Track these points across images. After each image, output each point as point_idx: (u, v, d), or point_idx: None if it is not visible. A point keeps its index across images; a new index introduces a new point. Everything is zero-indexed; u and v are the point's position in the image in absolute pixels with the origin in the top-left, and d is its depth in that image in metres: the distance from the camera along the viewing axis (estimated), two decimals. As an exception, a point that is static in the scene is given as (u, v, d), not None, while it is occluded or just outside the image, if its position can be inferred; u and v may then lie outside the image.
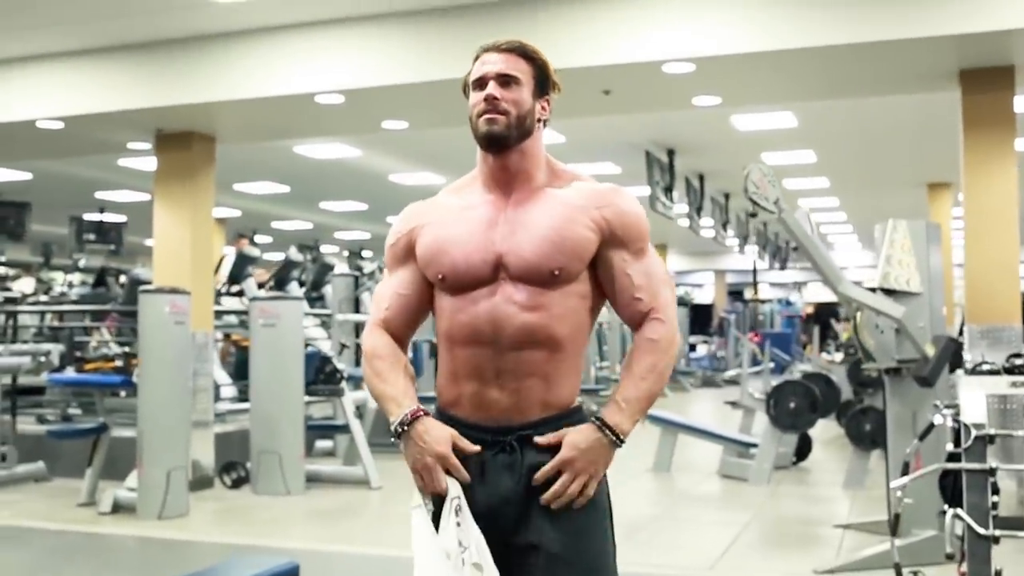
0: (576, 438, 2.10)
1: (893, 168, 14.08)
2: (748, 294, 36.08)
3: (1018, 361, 5.66)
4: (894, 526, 5.12)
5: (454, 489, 2.09)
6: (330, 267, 13.55)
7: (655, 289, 2.19)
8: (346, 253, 20.83)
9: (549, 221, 2.14)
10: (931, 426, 5.07)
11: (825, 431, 11.03)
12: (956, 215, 16.60)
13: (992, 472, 4.56)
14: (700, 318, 29.55)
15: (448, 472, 2.09)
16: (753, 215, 5.43)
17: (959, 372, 5.84)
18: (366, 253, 19.74)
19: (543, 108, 2.22)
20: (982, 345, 6.79)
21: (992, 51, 6.74)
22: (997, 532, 4.52)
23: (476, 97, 2.18)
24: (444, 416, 2.18)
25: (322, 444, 10.36)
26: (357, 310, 11.13)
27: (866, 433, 8.32)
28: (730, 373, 20.71)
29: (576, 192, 2.20)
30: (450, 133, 10.94)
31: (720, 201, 16.26)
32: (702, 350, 26.58)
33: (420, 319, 2.31)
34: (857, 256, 27.75)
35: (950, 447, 4.75)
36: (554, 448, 2.11)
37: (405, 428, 2.12)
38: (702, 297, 34.06)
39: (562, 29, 7.03)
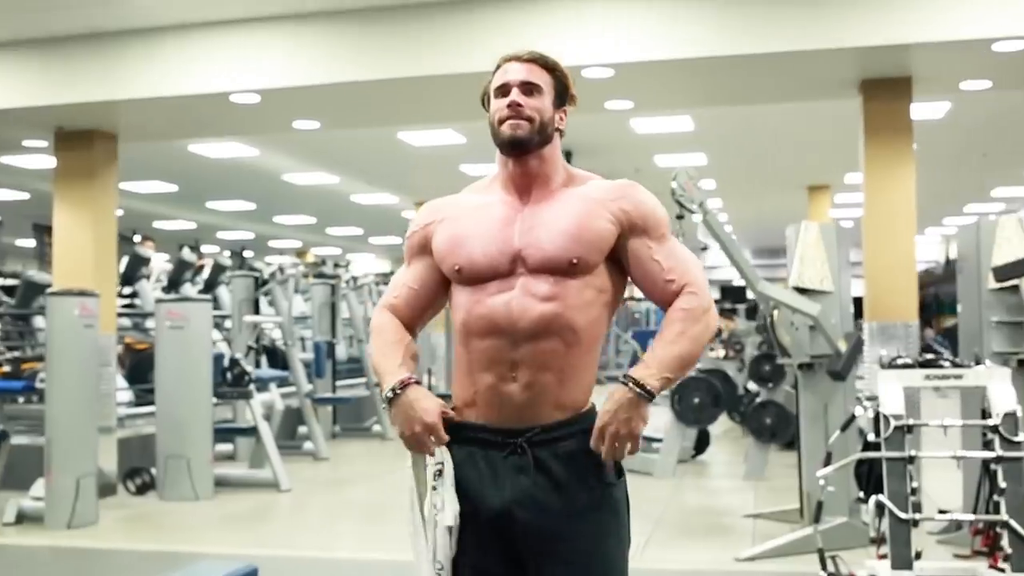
0: (606, 404, 2.11)
1: (776, 171, 14.59)
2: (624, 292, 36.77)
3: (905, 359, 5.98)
4: (817, 513, 5.37)
5: (439, 455, 2.15)
6: (223, 268, 13.33)
7: (684, 268, 2.23)
8: (227, 253, 20.49)
9: (568, 215, 2.20)
10: (852, 417, 5.34)
11: (717, 425, 11.38)
12: (834, 216, 17.36)
13: (911, 460, 4.84)
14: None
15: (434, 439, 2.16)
16: (680, 217, 5.62)
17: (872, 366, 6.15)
18: (247, 253, 19.45)
19: (561, 118, 2.29)
20: (879, 341, 7.13)
21: (891, 63, 7.08)
22: (916, 516, 4.82)
23: (498, 103, 2.24)
24: (457, 424, 2.19)
25: (221, 448, 10.20)
26: (256, 311, 10.99)
27: (766, 426, 8.65)
28: (613, 372, 21.18)
29: (592, 188, 2.27)
30: (349, 134, 10.97)
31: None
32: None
33: (427, 314, 2.36)
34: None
35: (871, 437, 5.02)
36: (574, 459, 2.13)
37: (397, 393, 2.15)
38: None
39: (480, 33, 7.11)
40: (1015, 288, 5.96)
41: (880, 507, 4.80)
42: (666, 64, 6.98)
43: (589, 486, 2.14)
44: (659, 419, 10.66)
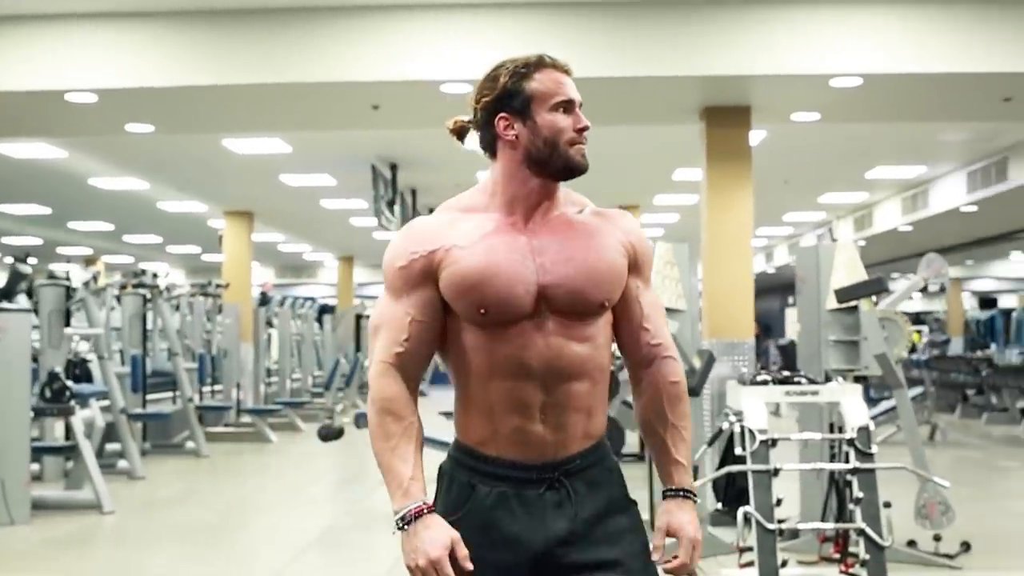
0: (686, 517, 2.08)
1: (591, 190, 14.93)
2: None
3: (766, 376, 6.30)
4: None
5: None
6: (23, 275, 12.48)
7: (660, 322, 2.16)
8: (9, 259, 19.24)
9: (595, 251, 2.05)
10: (720, 431, 5.55)
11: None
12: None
13: (776, 472, 5.08)
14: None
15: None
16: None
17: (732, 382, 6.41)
18: (32, 260, 18.31)
19: None
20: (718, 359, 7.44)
21: (732, 92, 7.46)
22: (782, 526, 5.06)
23: (565, 122, 2.03)
24: (472, 456, 2.05)
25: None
26: (67, 323, 10.36)
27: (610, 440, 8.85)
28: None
29: (600, 218, 2.12)
30: (169, 139, 10.54)
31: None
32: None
33: (433, 353, 2.09)
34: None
35: (739, 450, 5.23)
36: (602, 484, 2.06)
37: (407, 526, 1.94)
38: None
39: (320, 43, 7.01)
40: (852, 309, 6.34)
41: (747, 518, 5.01)
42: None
43: (622, 509, 2.09)
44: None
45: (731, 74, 7.10)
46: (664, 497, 2.12)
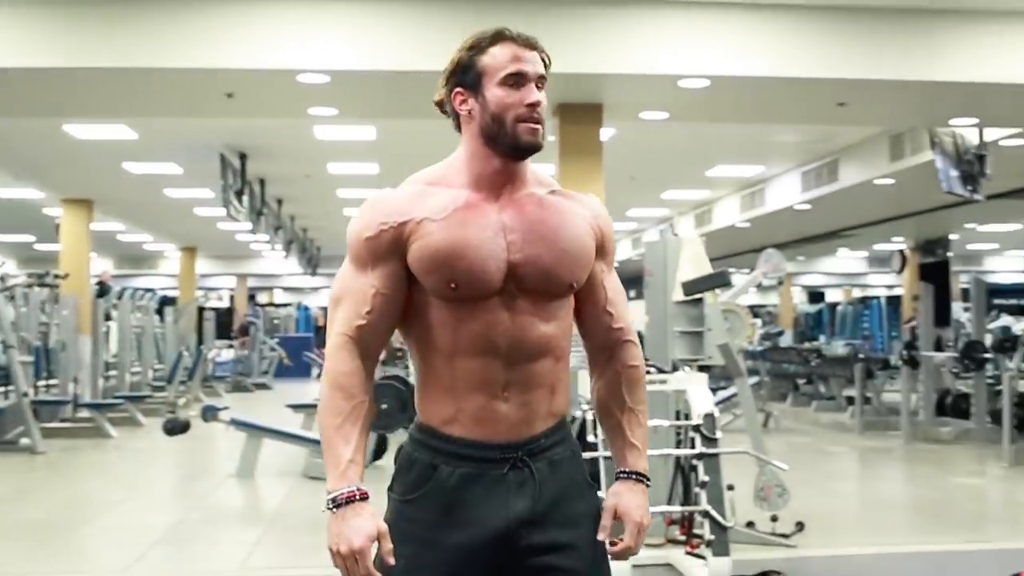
0: (635, 500, 2.08)
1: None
2: (264, 298, 36.35)
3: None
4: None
5: None
6: None
7: (622, 307, 2.16)
8: None
9: (565, 232, 2.02)
10: (572, 419, 5.70)
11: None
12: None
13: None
14: (221, 322, 29.19)
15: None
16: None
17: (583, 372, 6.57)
18: None
19: None
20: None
21: (585, 90, 7.64)
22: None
23: (514, 96, 1.98)
24: (434, 435, 2.01)
25: None
26: None
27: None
28: (260, 378, 20.90)
29: (569, 200, 2.10)
30: (5, 123, 10.09)
31: (274, 207, 16.36)
32: (228, 355, 26.30)
33: (394, 328, 2.05)
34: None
35: (591, 438, 5.40)
36: (564, 465, 2.05)
37: (339, 504, 1.90)
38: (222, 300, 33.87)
39: (189, 27, 6.86)
40: (697, 301, 6.60)
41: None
42: (378, 75, 7.08)
43: (582, 493, 2.08)
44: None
45: (585, 72, 7.27)
46: (616, 478, 2.12)
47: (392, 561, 1.89)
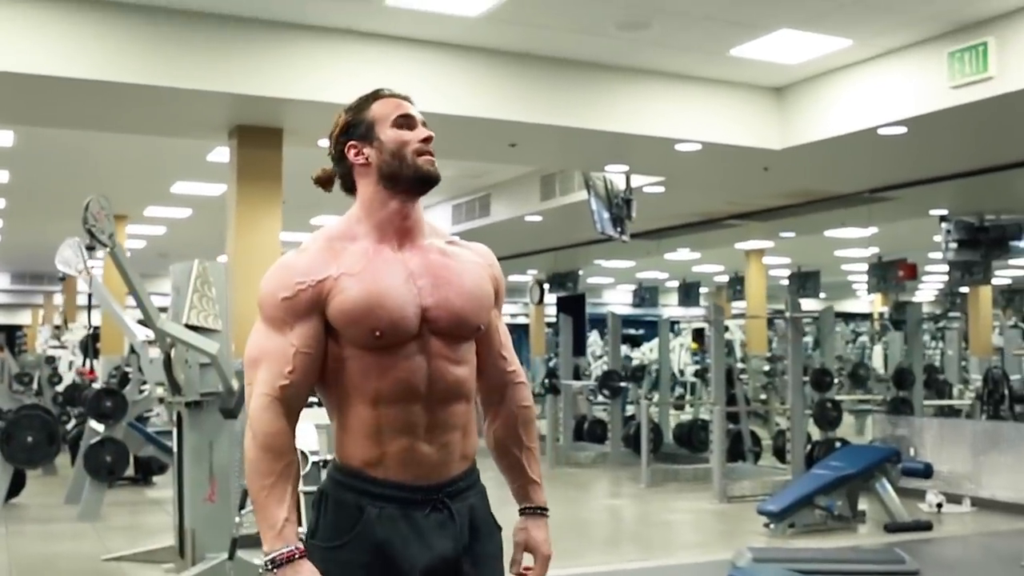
0: (541, 535, 2.25)
1: (77, 196, 14.04)
2: None
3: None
4: (232, 550, 5.47)
5: None
6: None
7: (512, 351, 2.30)
8: None
9: (468, 278, 2.15)
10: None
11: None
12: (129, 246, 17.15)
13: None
14: None
15: None
16: (91, 248, 5.33)
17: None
18: None
19: None
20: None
21: (264, 113, 7.46)
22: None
23: (407, 134, 2.12)
24: (358, 478, 2.05)
25: None
26: None
27: (105, 464, 8.37)
28: None
29: (467, 250, 2.23)
30: None
31: None
32: None
33: (314, 385, 2.08)
34: None
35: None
36: (477, 507, 2.16)
37: (275, 570, 1.95)
38: None
39: None
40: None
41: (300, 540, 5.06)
42: (21, 78, 6.56)
43: (490, 534, 2.18)
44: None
45: (266, 95, 7.11)
46: (521, 514, 2.26)
47: None
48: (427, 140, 2.14)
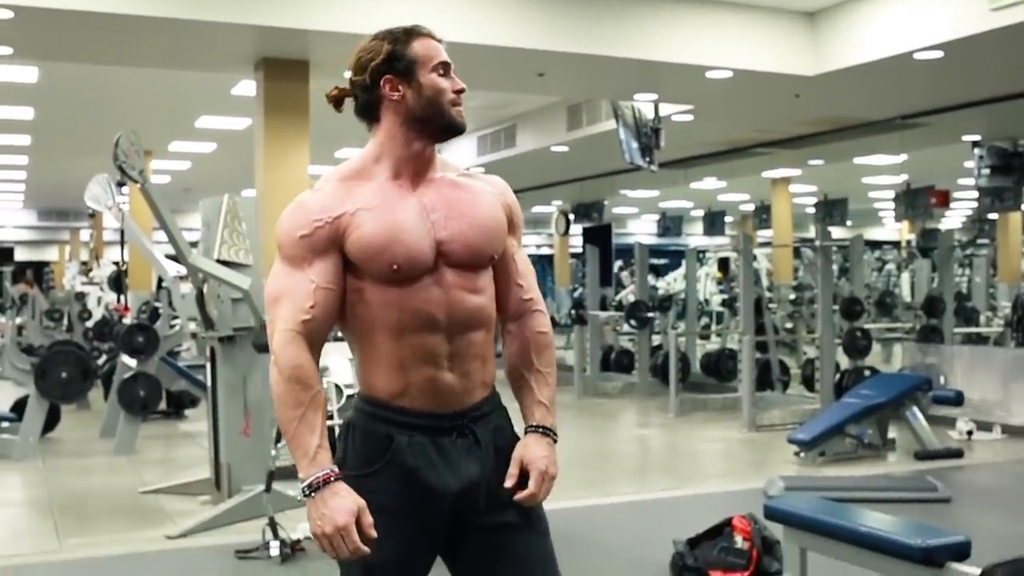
0: (541, 451, 2.21)
1: (104, 133, 14.04)
2: None
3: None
4: (268, 483, 5.53)
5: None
6: None
7: (532, 279, 2.32)
8: None
9: (481, 209, 2.19)
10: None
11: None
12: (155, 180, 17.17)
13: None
14: None
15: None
16: (121, 183, 5.32)
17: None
18: None
19: None
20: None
21: (290, 46, 7.37)
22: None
23: (444, 83, 2.16)
24: (386, 408, 2.11)
25: None
26: None
27: (138, 399, 8.46)
28: None
29: (479, 180, 2.28)
30: None
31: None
32: None
33: (335, 319, 2.14)
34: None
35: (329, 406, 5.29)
36: (501, 428, 2.22)
37: (313, 494, 2.01)
38: None
39: None
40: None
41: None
42: (67, 13, 6.49)
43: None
44: (8, 395, 9.87)
45: (291, 27, 7.02)
46: (525, 432, 2.25)
47: (374, 534, 2.01)
48: (460, 92, 2.19)
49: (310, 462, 2.02)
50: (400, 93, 2.14)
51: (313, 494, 2.00)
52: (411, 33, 2.18)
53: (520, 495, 2.17)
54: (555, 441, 2.26)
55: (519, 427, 2.27)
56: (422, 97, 2.14)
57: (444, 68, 2.17)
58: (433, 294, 2.11)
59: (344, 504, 1.99)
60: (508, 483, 2.18)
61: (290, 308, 2.09)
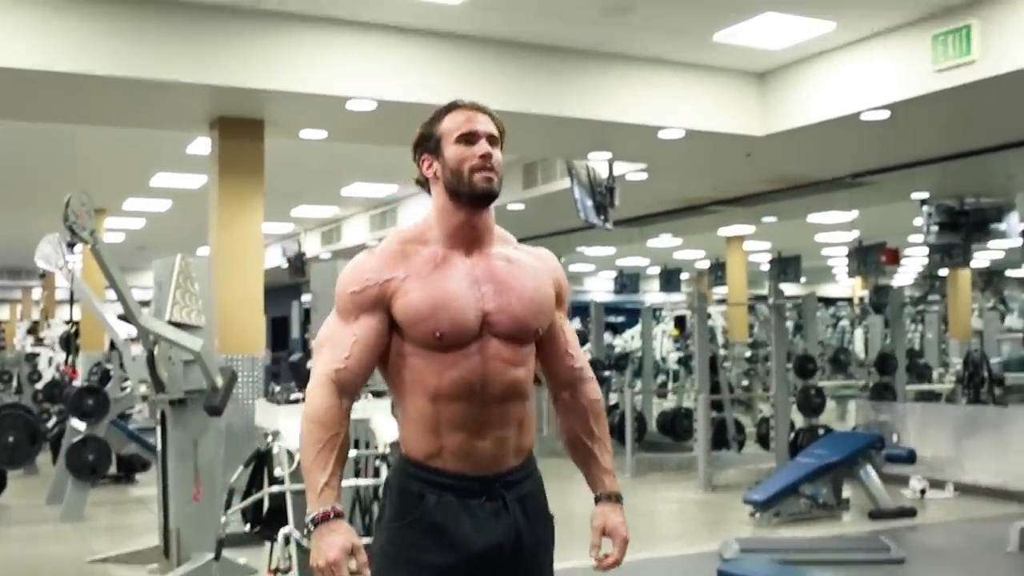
0: (617, 519, 2.39)
1: (51, 190, 13.90)
2: None
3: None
4: (218, 551, 5.41)
5: None
6: None
7: (579, 349, 2.46)
8: None
9: (530, 283, 2.29)
10: (257, 452, 5.46)
11: None
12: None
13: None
14: None
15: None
16: (72, 244, 5.24)
17: (261, 401, 6.29)
18: None
19: None
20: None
21: (245, 105, 7.37)
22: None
23: (467, 151, 2.24)
24: (421, 468, 2.22)
25: None
26: None
27: (88, 463, 8.28)
28: None
29: (531, 255, 2.36)
30: None
31: None
32: None
33: (371, 372, 2.25)
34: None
35: (278, 471, 5.19)
36: (532, 496, 2.31)
37: (315, 527, 2.14)
38: None
39: None
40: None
41: (287, 539, 5.01)
42: (23, 72, 6.46)
43: (544, 523, 2.35)
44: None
45: (246, 87, 7.03)
46: (597, 502, 2.42)
47: (367, 573, 2.13)
48: (485, 156, 2.25)
49: (316, 498, 2.14)
50: (433, 170, 2.28)
51: (315, 528, 2.13)
52: (448, 108, 2.30)
53: (607, 562, 2.32)
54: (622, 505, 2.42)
55: (573, 491, 2.47)
56: (447, 169, 2.26)
57: (468, 137, 2.25)
58: (473, 363, 2.21)
59: (337, 541, 2.10)
60: (592, 553, 2.34)
61: (329, 356, 2.23)
